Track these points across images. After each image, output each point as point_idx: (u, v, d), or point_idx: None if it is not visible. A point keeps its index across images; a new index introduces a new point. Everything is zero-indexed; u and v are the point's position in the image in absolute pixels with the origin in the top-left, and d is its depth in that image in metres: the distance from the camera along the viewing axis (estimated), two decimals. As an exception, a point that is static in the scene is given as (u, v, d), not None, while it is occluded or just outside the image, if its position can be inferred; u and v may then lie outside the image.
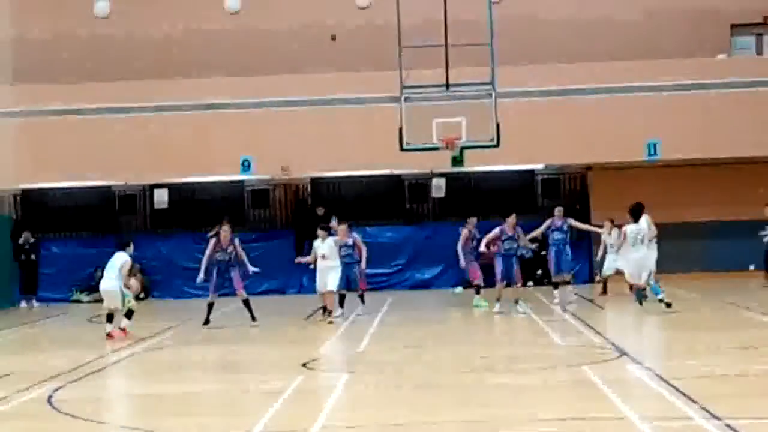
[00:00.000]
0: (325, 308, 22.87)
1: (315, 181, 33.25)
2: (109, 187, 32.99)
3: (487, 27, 24.78)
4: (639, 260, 23.16)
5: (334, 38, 32.49)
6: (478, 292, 25.43)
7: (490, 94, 24.86)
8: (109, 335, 21.20)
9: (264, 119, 30.12)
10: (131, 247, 22.03)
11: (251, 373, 16.89)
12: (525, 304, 24.31)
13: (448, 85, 25.73)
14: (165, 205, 32.80)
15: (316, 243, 23.30)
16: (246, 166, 30.21)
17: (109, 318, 21.41)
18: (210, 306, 22.88)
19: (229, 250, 22.86)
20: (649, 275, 22.98)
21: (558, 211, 26.06)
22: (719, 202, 28.64)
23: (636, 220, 23.28)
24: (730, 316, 22.33)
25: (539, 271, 30.39)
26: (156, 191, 32.74)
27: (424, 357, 17.89)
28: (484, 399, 13.74)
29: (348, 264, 24.04)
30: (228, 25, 32.54)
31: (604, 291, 26.68)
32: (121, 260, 21.44)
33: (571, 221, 26.00)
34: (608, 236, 26.45)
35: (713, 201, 29.25)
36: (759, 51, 32.05)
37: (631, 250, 23.39)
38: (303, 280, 31.40)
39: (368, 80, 29.66)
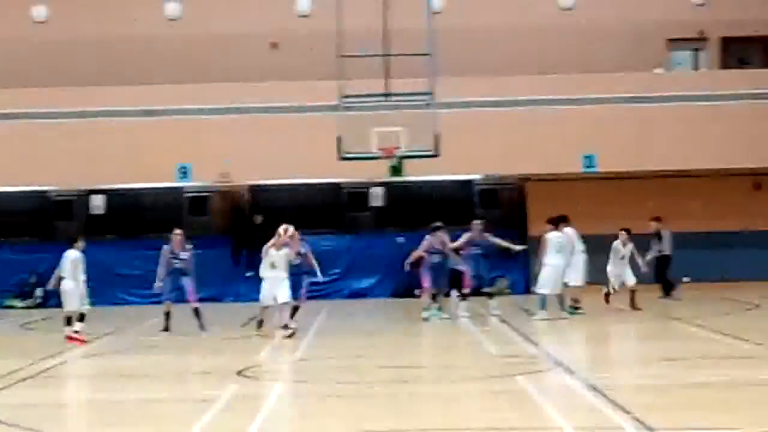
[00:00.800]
0: (261, 321, 21.88)
1: (254, 189, 33.16)
2: (44, 192, 32.69)
3: (427, 37, 24.86)
4: (558, 268, 23.56)
5: (274, 46, 32.43)
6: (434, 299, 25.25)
7: (429, 105, 24.93)
8: (69, 338, 21.06)
9: (203, 127, 30.02)
10: (81, 244, 21.81)
11: (185, 382, 16.79)
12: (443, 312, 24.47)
13: (387, 95, 25.81)
14: (102, 211, 32.58)
15: (273, 252, 22.01)
16: (184, 173, 30.07)
17: (68, 321, 21.41)
18: (167, 314, 22.72)
19: (182, 257, 22.75)
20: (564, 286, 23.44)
21: (477, 224, 25.61)
22: (650, 215, 28.82)
23: (555, 227, 23.74)
24: (662, 327, 22.52)
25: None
26: (93, 197, 32.49)
27: (359, 367, 17.87)
28: (416, 409, 13.75)
29: (296, 274, 23.09)
30: (168, 32, 32.38)
31: (632, 304, 25.45)
32: (71, 257, 21.41)
33: (489, 237, 25.43)
34: (622, 247, 25.75)
35: (649, 213, 29.45)
36: (695, 66, 32.39)
37: (553, 258, 23.66)
38: (240, 288, 31.31)
39: (308, 89, 29.66)
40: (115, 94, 30.36)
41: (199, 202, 33.30)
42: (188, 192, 33.10)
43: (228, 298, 31.72)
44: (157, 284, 22.63)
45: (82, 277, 21.60)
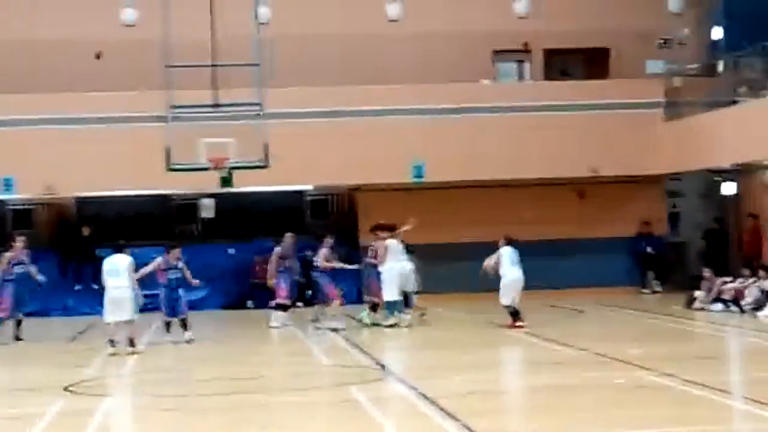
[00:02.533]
0: (112, 341, 20.56)
1: (80, 201, 32.57)
2: None
3: (254, 47, 24.82)
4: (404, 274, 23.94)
5: (99, 56, 31.90)
6: (284, 310, 25.19)
7: (259, 115, 24.88)
8: None
9: (28, 138, 29.34)
10: None
11: (11, 397, 16.38)
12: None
13: (216, 106, 25.66)
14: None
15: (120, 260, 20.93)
16: (8, 186, 29.37)
17: None
18: (168, 324, 22.73)
19: (179, 266, 22.62)
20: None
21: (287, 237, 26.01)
22: (481, 223, 29.26)
23: (392, 234, 24.29)
24: (491, 334, 22.88)
25: (309, 292, 30.49)
26: None
27: (191, 379, 17.73)
28: (246, 420, 13.70)
29: (174, 288, 22.62)
30: (-11, 40, 31.60)
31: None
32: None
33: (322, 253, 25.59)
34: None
35: (476, 222, 29.90)
36: (520, 77, 33.00)
37: (397, 262, 23.97)
38: (68, 301, 30.73)
39: (135, 99, 29.26)
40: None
41: (23, 215, 32.54)
42: (12, 205, 32.32)
43: (55, 311, 31.03)
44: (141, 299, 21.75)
45: None
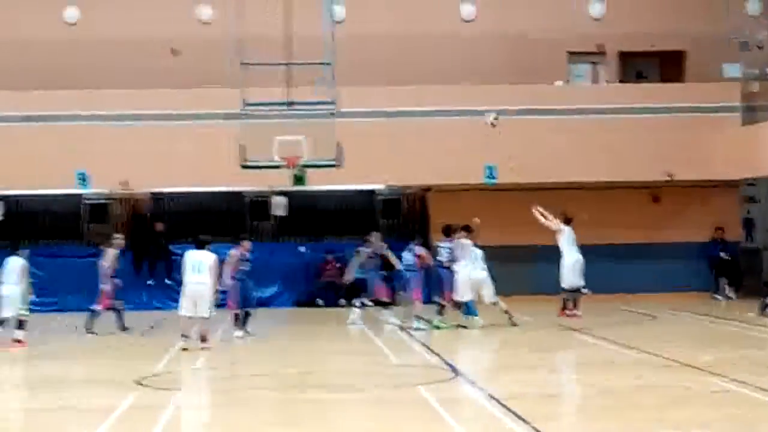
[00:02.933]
0: (185, 335, 20.68)
1: (155, 197, 32.87)
2: (-57, 197, 32.10)
3: (327, 46, 24.88)
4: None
5: (174, 53, 32.18)
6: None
7: (332, 114, 24.94)
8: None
9: (103, 133, 29.68)
10: (26, 252, 22.51)
11: (83, 390, 16.58)
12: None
13: (289, 104, 25.76)
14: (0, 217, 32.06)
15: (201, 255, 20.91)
16: (83, 180, 29.72)
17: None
18: (244, 315, 23.04)
19: (250, 259, 23.29)
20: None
21: (375, 236, 25.97)
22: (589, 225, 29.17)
23: (468, 234, 24.11)
24: (560, 336, 22.76)
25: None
26: (-11, 203, 31.98)
27: (259, 374, 17.82)
28: (315, 418, 13.74)
29: (245, 280, 23.10)
30: (66, 36, 31.98)
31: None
32: (17, 264, 21.90)
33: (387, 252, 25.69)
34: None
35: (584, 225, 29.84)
36: (595, 79, 32.81)
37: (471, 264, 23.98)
38: (141, 296, 31.03)
39: (209, 96, 29.49)
40: (14, 98, 29.90)
41: (98, 210, 32.91)
42: (87, 199, 32.70)
43: (129, 305, 31.29)
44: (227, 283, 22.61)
45: (24, 283, 21.96)
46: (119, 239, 25.16)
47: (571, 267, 23.07)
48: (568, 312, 22.39)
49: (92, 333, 23.85)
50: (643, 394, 14.88)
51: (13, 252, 22.31)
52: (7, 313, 21.83)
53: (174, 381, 17.52)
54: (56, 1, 32.28)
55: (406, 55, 32.17)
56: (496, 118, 26.98)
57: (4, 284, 21.95)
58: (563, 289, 23.18)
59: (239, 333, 22.78)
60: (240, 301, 23.02)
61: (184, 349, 20.37)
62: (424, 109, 30.11)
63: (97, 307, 24.38)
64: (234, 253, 23.10)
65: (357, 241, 26.57)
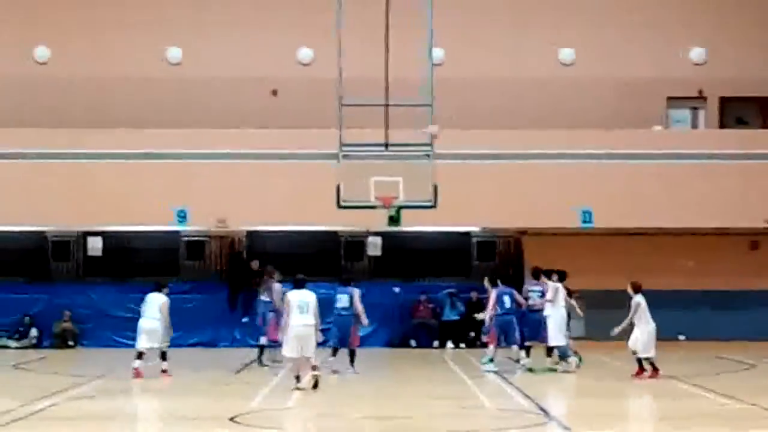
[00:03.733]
0: (298, 377, 20.32)
1: (251, 235, 33.16)
2: (42, 232, 32.68)
3: (428, 88, 24.96)
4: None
5: (275, 93, 32.54)
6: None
7: (428, 155, 25.00)
8: (137, 372, 22.47)
9: (201, 171, 30.08)
10: (167, 289, 23.60)
11: (177, 426, 16.71)
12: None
13: (387, 145, 25.87)
14: (99, 253, 32.56)
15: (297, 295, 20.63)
16: (182, 217, 30.10)
17: (139, 356, 22.71)
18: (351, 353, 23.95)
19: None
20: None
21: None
22: (647, 271, 28.82)
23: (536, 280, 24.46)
24: (654, 384, 22.47)
25: (472, 333, 30.45)
26: (90, 238, 32.49)
27: (351, 416, 17.83)
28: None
29: (344, 316, 23.87)
30: (168, 76, 32.48)
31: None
32: (159, 300, 23.04)
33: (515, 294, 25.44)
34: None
35: (642, 270, 29.45)
36: (694, 124, 32.54)
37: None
38: (235, 333, 31.28)
39: (307, 136, 29.74)
40: (114, 136, 30.45)
41: (195, 246, 33.28)
42: (185, 236, 33.09)
43: (223, 343, 31.65)
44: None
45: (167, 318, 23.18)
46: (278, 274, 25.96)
47: (652, 334, 22.90)
48: (653, 372, 22.21)
49: (266, 365, 24.59)
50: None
51: (155, 289, 23.49)
52: (145, 345, 22.84)
53: (268, 419, 17.59)
54: (159, 41, 32.80)
55: (503, 98, 32.17)
56: (434, 135, 26.87)
57: (145, 318, 23.09)
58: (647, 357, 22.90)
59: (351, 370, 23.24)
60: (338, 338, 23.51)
61: (297, 389, 20.06)
62: (519, 152, 30.06)
63: (264, 340, 25.29)
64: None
65: (450, 283, 26.49)
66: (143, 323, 23.05)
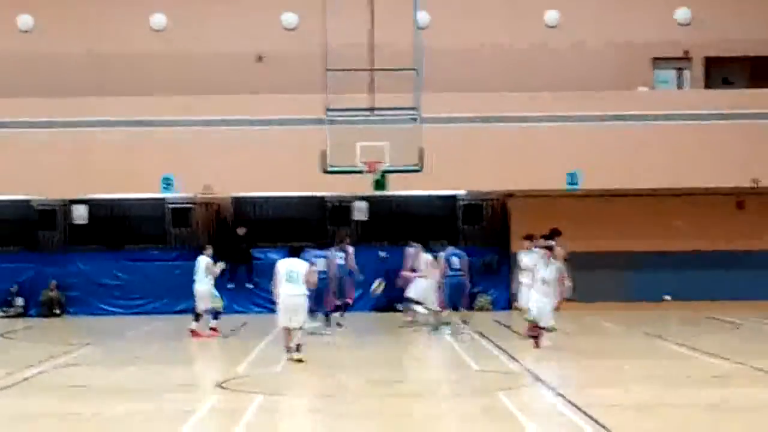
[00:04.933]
0: (289, 348, 19.88)
1: (237, 201, 33.11)
2: (28, 202, 32.58)
3: (414, 53, 24.88)
4: None
5: (260, 59, 32.39)
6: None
7: (415, 119, 24.93)
8: (193, 332, 23.85)
9: (187, 138, 29.93)
10: (209, 250, 25.14)
11: (164, 393, 16.71)
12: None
13: (372, 110, 25.80)
14: (84, 221, 32.46)
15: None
16: (167, 184, 30.01)
17: (196, 317, 24.30)
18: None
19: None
20: None
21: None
22: (635, 233, 28.92)
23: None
24: (645, 346, 22.54)
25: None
26: (75, 207, 32.39)
27: (339, 380, 17.85)
28: (395, 426, 13.72)
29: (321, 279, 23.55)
30: (154, 44, 32.31)
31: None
32: (203, 262, 24.55)
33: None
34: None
35: (630, 231, 29.56)
36: (679, 85, 32.48)
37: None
38: (224, 299, 31.23)
39: (293, 102, 29.60)
40: (101, 105, 30.26)
41: (181, 214, 33.20)
42: (171, 203, 33.02)
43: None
44: None
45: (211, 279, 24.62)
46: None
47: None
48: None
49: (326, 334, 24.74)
50: (729, 406, 14.68)
51: (201, 252, 25.15)
52: (202, 306, 24.40)
53: (255, 384, 17.59)
54: (145, 9, 32.58)
55: (488, 62, 32.08)
56: (379, 285, 27.36)
57: (196, 282, 24.60)
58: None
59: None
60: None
61: (299, 360, 19.58)
62: (506, 115, 29.98)
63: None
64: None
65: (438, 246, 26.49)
66: (196, 287, 24.50)
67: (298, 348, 19.83)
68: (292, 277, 19.87)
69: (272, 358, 20.08)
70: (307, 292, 20.04)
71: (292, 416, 14.69)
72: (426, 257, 26.13)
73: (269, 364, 19.51)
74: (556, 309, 21.69)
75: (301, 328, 19.93)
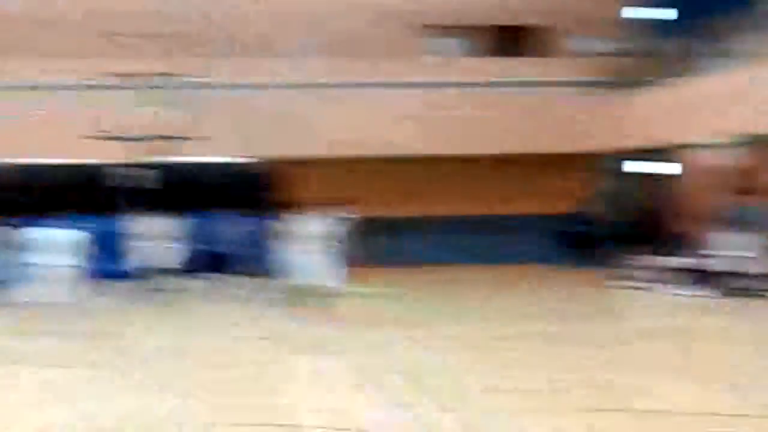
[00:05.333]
0: None
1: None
2: None
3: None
4: None
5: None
6: None
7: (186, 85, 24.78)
8: None
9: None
10: None
11: None
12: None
13: (148, 75, 25.53)
14: None
15: None
16: None
17: None
18: None
19: None
20: None
21: None
22: (412, 197, 28.80)
23: None
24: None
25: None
26: None
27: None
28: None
29: None
30: None
31: None
32: None
33: None
34: None
35: (407, 196, 29.57)
36: (452, 53, 33.01)
37: None
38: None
39: (68, 66, 29.08)
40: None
41: None
42: None
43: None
44: None
45: None
46: None
47: None
48: None
49: None
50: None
51: None
52: None
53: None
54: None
55: (262, 26, 32.10)
56: None
57: None
58: None
59: None
60: None
61: None
62: (281, 81, 30.13)
63: None
64: None
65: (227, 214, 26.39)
66: None
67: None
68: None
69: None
70: None
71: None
72: None
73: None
74: None
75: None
